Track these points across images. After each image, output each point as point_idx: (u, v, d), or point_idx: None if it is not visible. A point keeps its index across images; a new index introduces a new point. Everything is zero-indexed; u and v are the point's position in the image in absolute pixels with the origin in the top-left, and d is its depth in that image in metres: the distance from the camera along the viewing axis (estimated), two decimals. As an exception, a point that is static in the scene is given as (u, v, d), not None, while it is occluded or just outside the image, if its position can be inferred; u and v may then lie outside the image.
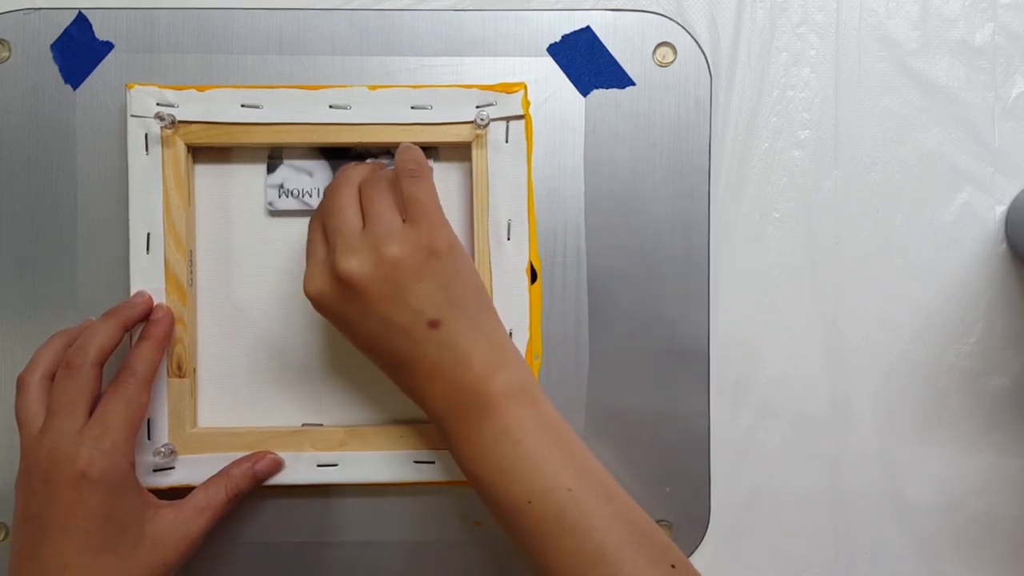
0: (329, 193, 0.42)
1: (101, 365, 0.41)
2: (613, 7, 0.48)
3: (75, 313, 0.47)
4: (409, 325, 0.39)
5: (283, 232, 0.48)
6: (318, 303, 0.41)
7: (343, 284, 0.39)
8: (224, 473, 0.44)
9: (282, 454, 0.46)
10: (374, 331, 0.40)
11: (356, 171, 0.43)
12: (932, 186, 0.49)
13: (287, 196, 0.47)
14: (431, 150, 0.47)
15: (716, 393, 0.48)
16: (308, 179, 0.47)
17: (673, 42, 0.48)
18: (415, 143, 0.46)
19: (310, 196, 0.47)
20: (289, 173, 0.47)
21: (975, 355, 0.49)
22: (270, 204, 0.47)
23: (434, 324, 0.39)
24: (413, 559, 0.48)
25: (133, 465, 0.40)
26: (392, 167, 0.44)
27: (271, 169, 0.47)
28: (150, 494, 0.43)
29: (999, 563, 0.49)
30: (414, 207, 0.40)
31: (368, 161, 0.47)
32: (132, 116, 0.45)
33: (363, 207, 0.41)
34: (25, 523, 0.39)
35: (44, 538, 0.38)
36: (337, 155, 0.47)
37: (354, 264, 0.39)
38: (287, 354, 0.48)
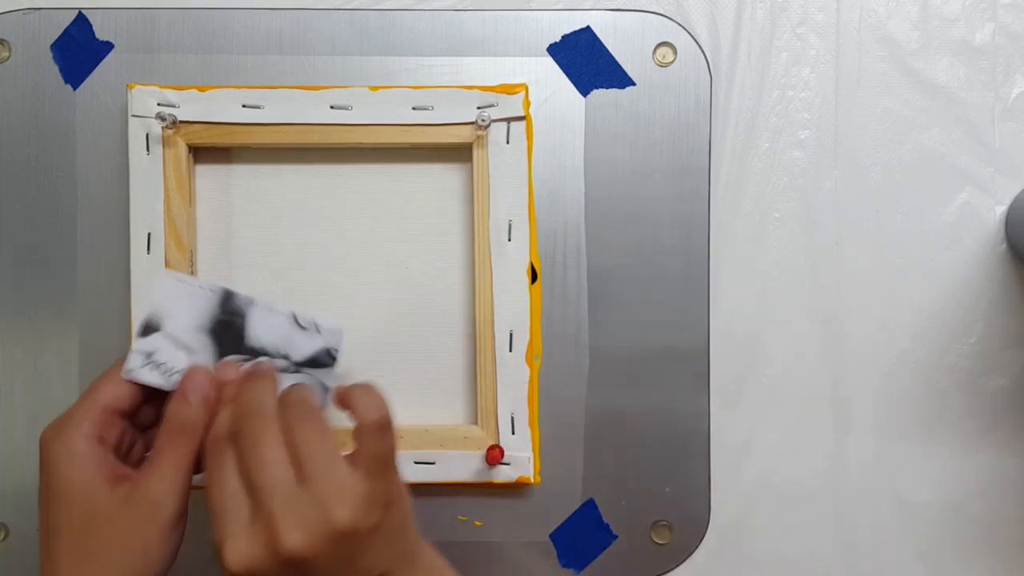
0: (246, 434, 0.34)
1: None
2: (613, 7, 0.48)
3: (75, 313, 0.47)
4: None
5: (284, 232, 0.48)
6: None
7: (284, 562, 0.32)
8: (160, 439, 0.38)
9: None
10: None
11: (265, 397, 0.36)
12: (932, 186, 0.49)
13: (153, 368, 0.39)
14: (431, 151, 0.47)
15: (716, 393, 0.49)
16: (185, 357, 0.40)
17: (673, 42, 0.48)
18: (415, 143, 0.46)
19: (177, 375, 0.39)
20: (165, 344, 0.39)
21: (975, 355, 0.49)
22: (128, 370, 0.39)
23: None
24: (413, 559, 0.48)
25: (103, 478, 0.36)
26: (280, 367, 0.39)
27: (145, 332, 0.40)
28: None
29: (999, 563, 0.49)
30: (376, 462, 0.34)
31: (258, 361, 0.40)
32: (133, 116, 0.45)
33: (295, 448, 0.34)
34: (40, 515, 0.37)
35: (44, 540, 0.37)
36: (227, 340, 0.40)
37: (298, 539, 0.32)
38: (287, 354, 0.48)
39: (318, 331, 0.41)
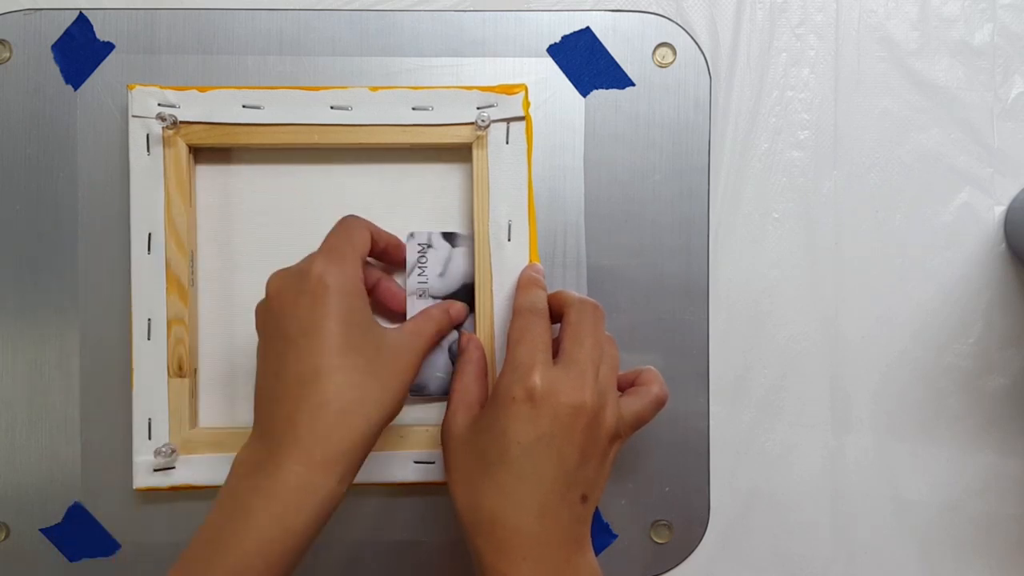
0: (537, 309, 0.41)
1: (365, 250, 0.42)
2: (613, 8, 0.48)
3: (75, 313, 0.47)
4: (570, 496, 0.38)
5: (284, 232, 0.48)
6: (537, 400, 0.38)
7: (527, 398, 0.38)
8: (423, 313, 0.44)
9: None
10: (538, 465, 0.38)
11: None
12: (931, 186, 0.49)
13: (424, 255, 0.47)
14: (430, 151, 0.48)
15: (716, 393, 0.49)
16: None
17: (673, 43, 0.48)
18: (415, 144, 0.46)
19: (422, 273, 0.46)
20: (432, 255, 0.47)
21: (974, 355, 0.49)
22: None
23: (584, 499, 0.39)
24: (413, 559, 0.48)
25: (364, 287, 0.40)
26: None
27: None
28: None
29: (999, 563, 0.49)
30: (637, 417, 0.41)
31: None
32: (133, 116, 0.45)
33: (564, 341, 0.40)
34: (268, 344, 0.39)
35: (288, 346, 0.38)
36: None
37: (576, 393, 0.38)
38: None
39: None
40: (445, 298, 0.47)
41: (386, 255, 0.46)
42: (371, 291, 0.45)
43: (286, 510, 0.35)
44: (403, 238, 0.47)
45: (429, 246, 0.47)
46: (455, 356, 0.46)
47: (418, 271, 0.46)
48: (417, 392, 0.47)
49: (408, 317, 0.46)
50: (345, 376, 0.37)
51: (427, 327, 0.43)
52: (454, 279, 0.47)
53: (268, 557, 0.35)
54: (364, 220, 0.43)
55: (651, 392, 0.42)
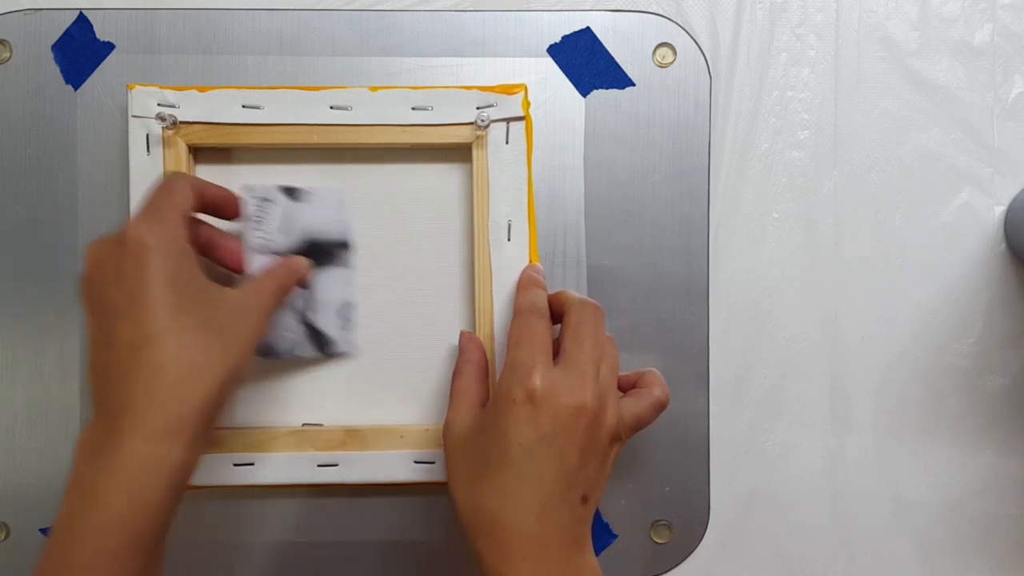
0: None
1: (188, 207, 0.40)
2: (613, 8, 0.48)
3: (75, 314, 0.47)
4: (570, 497, 0.38)
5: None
6: (530, 401, 0.38)
7: (527, 399, 0.38)
8: (266, 270, 0.43)
9: (282, 454, 0.46)
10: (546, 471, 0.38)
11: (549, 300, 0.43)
12: (931, 186, 0.49)
13: (260, 212, 0.45)
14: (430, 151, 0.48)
15: (716, 393, 0.49)
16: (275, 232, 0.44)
17: (673, 43, 0.48)
18: (415, 144, 0.46)
19: (262, 234, 0.45)
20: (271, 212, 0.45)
21: (974, 355, 0.49)
22: (249, 189, 0.45)
23: (585, 500, 0.39)
24: (413, 559, 0.48)
25: (191, 245, 0.39)
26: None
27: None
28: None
29: (999, 563, 0.49)
30: (637, 420, 0.41)
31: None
32: (133, 117, 0.45)
33: (564, 343, 0.40)
34: (95, 317, 0.37)
35: (116, 316, 0.36)
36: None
37: (575, 395, 0.38)
38: (287, 354, 0.48)
39: None
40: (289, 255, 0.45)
41: (218, 210, 0.43)
42: (206, 250, 0.43)
43: (135, 485, 0.34)
44: (403, 238, 0.47)
45: (267, 199, 0.44)
46: (301, 313, 0.45)
47: (255, 225, 0.44)
48: (265, 353, 0.45)
49: (248, 274, 0.44)
50: (179, 338, 0.35)
51: (269, 284, 0.41)
52: (296, 235, 0.45)
53: (125, 535, 0.34)
54: (186, 175, 0.41)
55: (652, 395, 0.42)
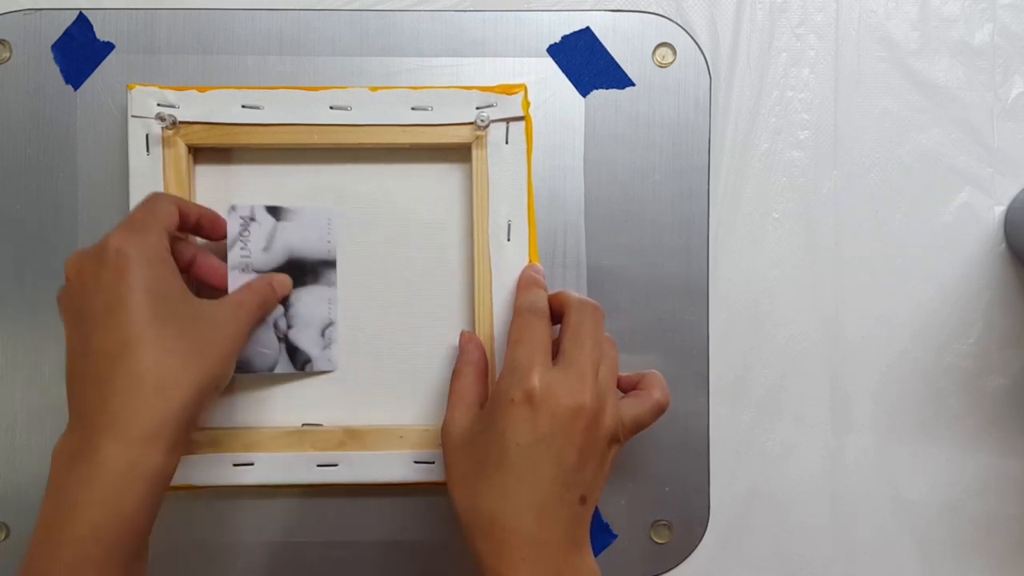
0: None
1: (170, 223, 0.40)
2: (613, 8, 0.48)
3: (76, 313, 0.47)
4: (568, 497, 0.38)
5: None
6: (521, 405, 0.38)
7: (526, 400, 0.38)
8: (246, 285, 0.44)
9: (282, 454, 0.46)
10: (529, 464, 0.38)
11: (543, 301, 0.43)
12: (931, 186, 0.49)
13: (245, 231, 0.45)
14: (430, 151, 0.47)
15: (716, 393, 0.49)
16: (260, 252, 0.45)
17: (673, 43, 0.48)
18: (415, 144, 0.46)
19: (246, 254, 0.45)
20: (257, 233, 0.45)
21: (974, 355, 0.49)
22: (234, 209, 0.45)
23: (583, 500, 0.39)
24: (413, 559, 0.48)
25: (172, 258, 0.39)
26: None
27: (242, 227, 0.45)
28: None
29: (999, 563, 0.49)
30: (636, 422, 0.41)
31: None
32: (133, 117, 0.45)
33: (563, 344, 0.40)
34: (73, 327, 0.37)
35: (94, 324, 0.36)
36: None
37: (572, 396, 0.38)
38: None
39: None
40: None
41: (202, 230, 0.44)
42: (189, 267, 0.44)
43: (112, 493, 0.34)
44: (403, 238, 0.47)
45: (252, 219, 0.45)
46: (281, 332, 0.46)
47: (240, 244, 0.45)
48: (242, 369, 0.45)
49: (230, 291, 0.44)
50: (157, 347, 0.36)
51: (249, 298, 0.42)
52: (278, 253, 0.45)
53: (104, 544, 0.34)
54: (171, 195, 0.42)
55: (652, 397, 0.42)
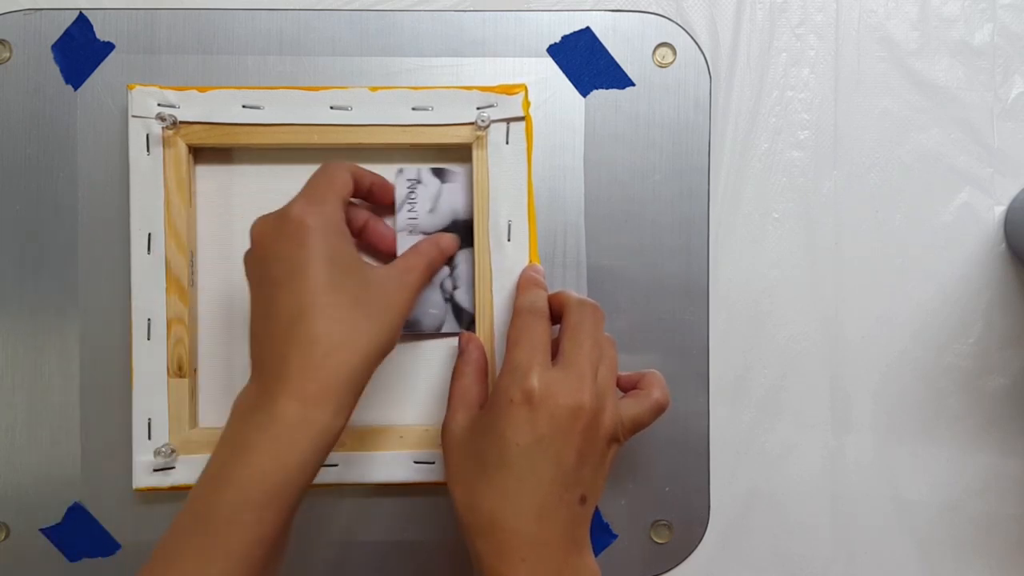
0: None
1: (346, 192, 0.41)
2: (613, 8, 0.48)
3: (75, 313, 0.47)
4: (568, 497, 0.39)
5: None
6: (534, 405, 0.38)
7: (525, 400, 0.38)
8: (413, 248, 0.44)
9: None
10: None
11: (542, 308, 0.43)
12: (931, 186, 0.49)
13: (413, 191, 0.47)
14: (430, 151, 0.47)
15: (716, 393, 0.49)
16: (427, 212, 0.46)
17: (673, 43, 0.48)
18: (415, 144, 0.46)
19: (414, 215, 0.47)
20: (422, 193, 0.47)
21: (974, 355, 0.49)
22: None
23: (583, 500, 0.39)
24: (413, 559, 0.48)
25: (347, 226, 0.40)
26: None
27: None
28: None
29: (999, 563, 0.49)
30: (635, 422, 0.41)
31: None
32: (133, 117, 0.45)
33: (563, 346, 0.40)
34: (257, 289, 0.39)
35: (276, 288, 0.38)
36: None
37: (572, 396, 0.38)
38: (287, 354, 0.48)
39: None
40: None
41: (372, 196, 0.45)
42: (360, 232, 0.46)
43: (282, 444, 0.36)
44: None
45: (418, 182, 0.46)
46: (447, 293, 0.47)
47: (408, 207, 0.46)
48: (411, 328, 0.47)
49: (398, 254, 0.46)
50: (332, 313, 0.37)
51: (417, 262, 0.43)
52: (444, 215, 0.47)
53: (267, 489, 0.35)
54: (346, 163, 0.43)
55: (651, 397, 0.42)
